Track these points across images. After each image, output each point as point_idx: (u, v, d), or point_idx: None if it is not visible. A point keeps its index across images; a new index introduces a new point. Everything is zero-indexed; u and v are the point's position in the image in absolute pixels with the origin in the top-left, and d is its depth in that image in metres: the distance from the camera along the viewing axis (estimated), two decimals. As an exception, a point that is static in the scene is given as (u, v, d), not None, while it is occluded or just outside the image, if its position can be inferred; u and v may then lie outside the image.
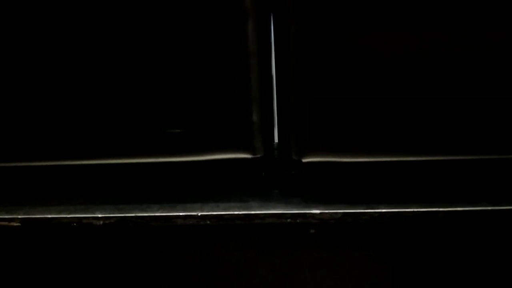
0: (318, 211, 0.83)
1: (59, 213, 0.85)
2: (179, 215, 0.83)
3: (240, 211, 0.84)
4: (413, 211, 0.82)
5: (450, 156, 0.83)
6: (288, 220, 0.84)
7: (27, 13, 0.79)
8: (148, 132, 0.83)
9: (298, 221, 0.84)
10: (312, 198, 0.86)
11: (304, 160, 0.84)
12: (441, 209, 0.82)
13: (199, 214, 0.83)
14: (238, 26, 0.80)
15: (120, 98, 0.82)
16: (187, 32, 0.79)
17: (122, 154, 0.84)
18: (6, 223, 0.84)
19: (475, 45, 0.78)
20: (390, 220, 0.83)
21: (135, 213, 0.84)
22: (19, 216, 0.84)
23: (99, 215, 0.84)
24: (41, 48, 0.80)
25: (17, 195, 0.89)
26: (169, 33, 0.79)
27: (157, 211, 0.84)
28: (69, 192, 0.89)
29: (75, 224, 0.84)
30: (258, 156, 0.84)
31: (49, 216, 0.84)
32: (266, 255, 0.88)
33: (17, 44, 0.80)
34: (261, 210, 0.84)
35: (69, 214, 0.84)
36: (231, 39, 0.80)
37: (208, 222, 0.83)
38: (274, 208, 0.84)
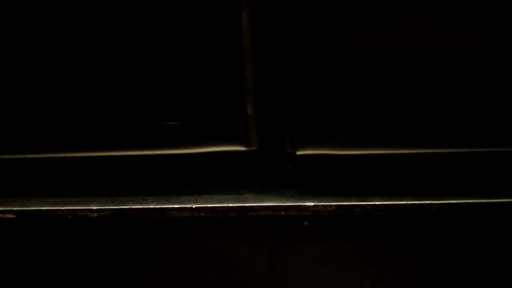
0: (312, 204, 0.84)
1: (54, 205, 0.85)
2: (174, 207, 0.84)
3: (234, 203, 0.84)
4: (406, 204, 0.83)
5: (443, 149, 0.83)
6: (282, 212, 0.84)
7: (25, 5, 0.79)
8: (143, 124, 0.83)
9: (292, 213, 0.84)
10: (306, 191, 0.86)
11: (298, 153, 0.84)
12: (434, 202, 0.83)
13: (194, 206, 0.84)
14: (233, 19, 0.80)
15: (116, 91, 0.82)
16: (183, 25, 0.79)
17: (117, 146, 0.84)
18: (1, 215, 0.84)
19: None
20: (383, 212, 0.83)
21: (130, 205, 0.84)
22: (14, 208, 0.84)
23: (94, 207, 0.84)
24: (36, 38, 0.80)
25: (12, 187, 0.89)
26: (166, 27, 0.79)
27: (152, 203, 0.84)
28: (64, 184, 0.89)
29: (69, 216, 0.84)
30: (253, 148, 0.84)
31: (44, 208, 0.84)
32: (260, 247, 0.89)
33: (13, 36, 0.80)
34: (255, 203, 0.84)
35: (63, 206, 0.84)
36: (225, 32, 0.80)
37: (203, 214, 0.84)
38: (268, 201, 0.84)
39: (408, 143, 0.83)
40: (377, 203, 0.83)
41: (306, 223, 0.87)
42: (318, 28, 0.79)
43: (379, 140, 0.83)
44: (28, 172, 0.89)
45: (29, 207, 0.85)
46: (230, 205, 0.84)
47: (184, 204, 0.84)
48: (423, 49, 0.79)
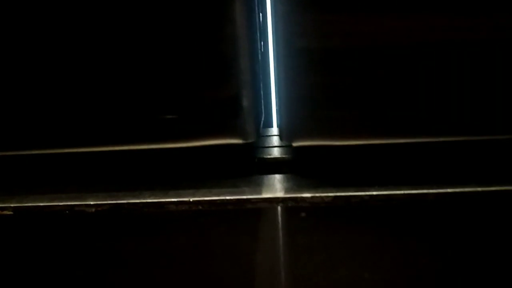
0: (309, 195, 0.84)
1: (51, 201, 0.85)
2: (172, 201, 0.84)
3: (232, 196, 0.84)
4: (403, 193, 0.83)
5: (439, 138, 0.84)
6: (280, 204, 0.84)
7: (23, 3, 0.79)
8: (139, 118, 0.83)
9: (289, 205, 0.84)
10: (303, 182, 0.86)
11: (295, 145, 0.84)
12: (431, 191, 0.83)
13: (191, 199, 0.84)
14: (226, 10, 0.79)
15: (112, 85, 0.82)
16: (177, 18, 0.79)
17: (114, 141, 0.84)
18: (-1, 211, 0.85)
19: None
20: (381, 202, 0.84)
21: (128, 200, 0.84)
22: (12, 205, 0.84)
23: (91, 203, 0.84)
24: (32, 34, 0.80)
25: (9, 184, 0.89)
26: (160, 20, 0.79)
27: (149, 197, 0.84)
28: (61, 180, 0.89)
29: (67, 211, 0.84)
30: (250, 141, 0.84)
31: (41, 204, 0.84)
32: (258, 239, 0.89)
33: (11, 33, 0.80)
34: (252, 195, 0.84)
35: (61, 202, 0.84)
36: (220, 24, 0.80)
37: (200, 207, 0.84)
38: (265, 193, 0.84)
39: (404, 133, 0.83)
40: (374, 193, 0.83)
41: (303, 214, 0.87)
42: (313, 18, 0.79)
43: (375, 130, 0.83)
44: (25, 168, 0.89)
45: (26, 203, 0.85)
46: (227, 198, 0.84)
47: (182, 197, 0.84)
48: (417, 39, 0.79)
